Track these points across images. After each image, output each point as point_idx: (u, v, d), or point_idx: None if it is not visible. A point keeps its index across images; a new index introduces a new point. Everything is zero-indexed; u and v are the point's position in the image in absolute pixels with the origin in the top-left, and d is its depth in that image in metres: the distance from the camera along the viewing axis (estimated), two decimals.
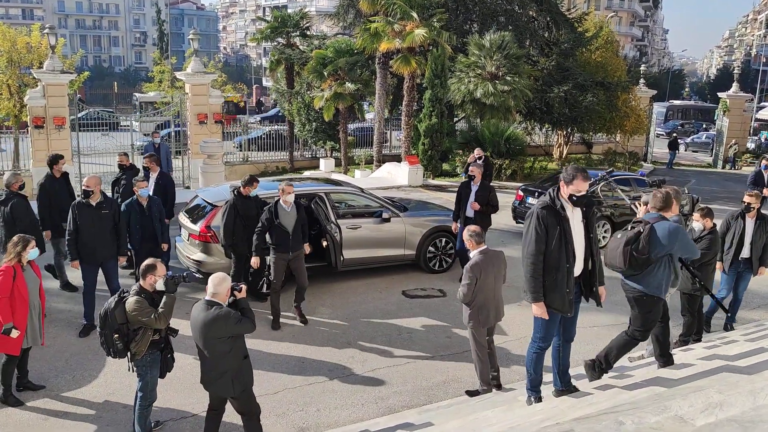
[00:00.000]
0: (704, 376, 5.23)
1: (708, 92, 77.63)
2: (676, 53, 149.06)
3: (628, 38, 77.78)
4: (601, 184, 12.77)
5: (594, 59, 26.60)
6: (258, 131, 27.30)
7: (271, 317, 8.48)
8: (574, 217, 5.24)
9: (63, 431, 6.12)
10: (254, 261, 8.45)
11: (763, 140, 35.87)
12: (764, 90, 59.38)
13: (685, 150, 36.94)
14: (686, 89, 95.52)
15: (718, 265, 8.17)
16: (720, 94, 31.05)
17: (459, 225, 10.12)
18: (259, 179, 9.42)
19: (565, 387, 5.57)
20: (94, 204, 8.02)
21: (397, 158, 22.29)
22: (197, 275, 9.16)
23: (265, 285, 9.20)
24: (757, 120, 41.15)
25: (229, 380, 5.17)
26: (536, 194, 13.19)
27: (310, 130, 24.63)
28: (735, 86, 30.05)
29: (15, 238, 6.38)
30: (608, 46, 28.58)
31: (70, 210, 8.06)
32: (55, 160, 9.48)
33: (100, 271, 8.24)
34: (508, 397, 6.30)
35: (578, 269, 5.33)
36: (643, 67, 31.67)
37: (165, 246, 8.93)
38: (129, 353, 5.47)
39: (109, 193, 9.72)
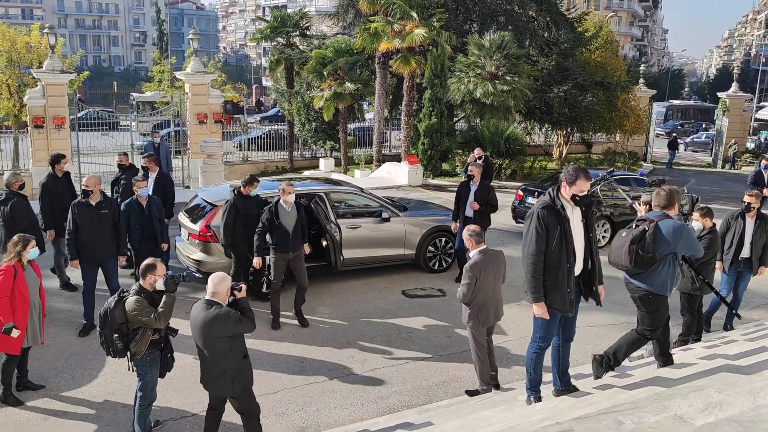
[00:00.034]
0: (704, 376, 5.23)
1: (707, 92, 77.64)
2: (676, 53, 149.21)
3: (627, 38, 77.81)
4: (602, 183, 12.77)
5: (594, 59, 26.62)
6: (258, 131, 27.32)
7: (271, 317, 8.48)
8: (574, 216, 5.24)
9: (63, 431, 6.12)
10: (256, 261, 8.44)
11: (762, 140, 35.90)
12: (764, 90, 59.36)
13: (685, 150, 36.95)
14: (686, 89, 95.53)
15: (718, 264, 8.17)
16: (719, 94, 31.07)
17: (458, 225, 10.12)
18: (259, 179, 9.42)
19: (565, 387, 5.57)
20: (93, 204, 8.02)
21: (396, 158, 22.29)
22: (197, 275, 9.18)
23: (265, 285, 9.20)
24: (756, 120, 41.19)
25: (229, 380, 5.17)
26: (536, 194, 13.19)
27: (310, 130, 24.64)
28: (734, 86, 30.06)
29: (15, 238, 6.39)
30: (608, 46, 28.59)
31: (70, 209, 8.06)
32: (56, 159, 9.48)
33: (100, 270, 8.24)
34: (507, 396, 6.30)
35: (578, 269, 5.33)
36: (642, 67, 31.69)
37: (165, 246, 8.93)
38: (129, 353, 5.46)
39: (108, 193, 9.72)
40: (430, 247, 10.74)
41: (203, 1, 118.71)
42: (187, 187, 18.92)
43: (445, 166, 22.31)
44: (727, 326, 8.58)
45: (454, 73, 20.82)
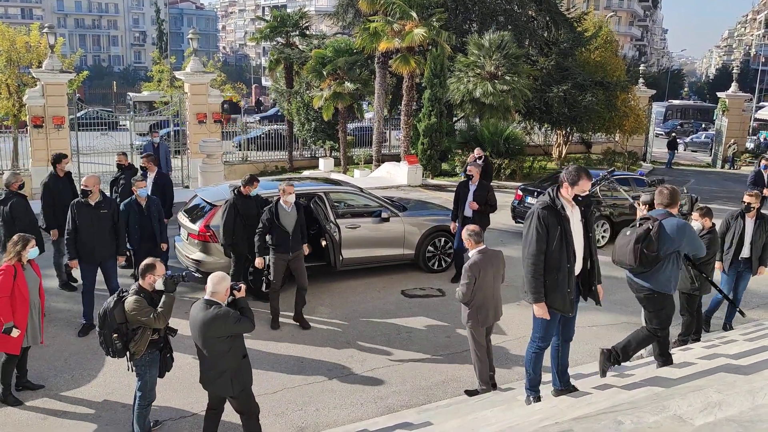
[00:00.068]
0: (703, 376, 5.23)
1: (707, 92, 77.67)
2: (675, 53, 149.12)
3: (627, 38, 77.85)
4: (602, 183, 12.77)
5: (593, 59, 26.61)
6: (257, 131, 27.30)
7: (271, 317, 8.48)
8: (574, 216, 5.24)
9: (62, 431, 6.12)
10: (258, 262, 8.43)
11: (761, 140, 35.91)
12: (763, 90, 59.38)
13: (684, 150, 36.96)
14: (685, 89, 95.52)
15: (718, 264, 8.18)
16: (719, 94, 31.08)
17: (457, 225, 10.12)
18: (259, 179, 9.41)
19: (564, 386, 5.57)
20: (92, 203, 8.01)
21: (396, 158, 22.29)
22: (196, 275, 9.18)
23: (264, 284, 9.20)
24: (756, 120, 41.19)
25: (228, 380, 5.17)
26: (535, 194, 13.18)
27: (309, 130, 24.64)
28: (734, 86, 30.07)
29: (15, 237, 6.39)
30: (607, 45, 28.58)
31: (69, 209, 8.06)
32: (58, 159, 9.49)
33: (100, 270, 8.24)
34: (507, 396, 6.30)
35: (577, 269, 5.33)
36: (642, 67, 31.68)
37: (164, 246, 8.92)
38: (128, 353, 5.46)
39: (107, 193, 9.72)
40: (429, 247, 10.74)
41: (203, 0, 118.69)
42: (187, 186, 18.92)
43: (444, 166, 22.30)
44: (727, 326, 8.58)
45: (453, 73, 20.82)
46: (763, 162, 14.24)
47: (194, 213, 9.80)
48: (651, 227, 5.44)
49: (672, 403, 4.13)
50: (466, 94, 20.31)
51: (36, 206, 9.12)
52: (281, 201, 8.31)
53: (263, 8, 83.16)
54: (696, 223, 7.62)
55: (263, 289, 9.16)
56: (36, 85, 18.28)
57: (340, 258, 9.61)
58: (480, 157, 14.27)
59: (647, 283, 5.58)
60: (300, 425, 6.28)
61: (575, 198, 5.19)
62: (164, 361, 5.69)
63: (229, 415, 5.63)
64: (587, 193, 5.22)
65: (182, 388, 6.73)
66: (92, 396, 6.68)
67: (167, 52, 50.23)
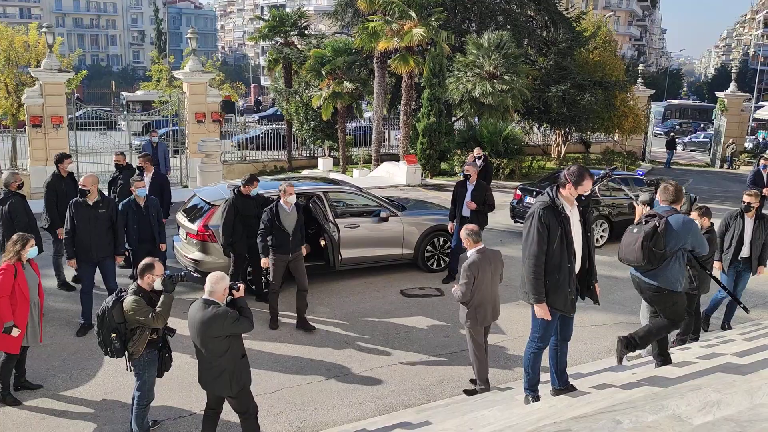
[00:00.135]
0: (702, 375, 5.23)
1: (706, 92, 77.73)
2: (674, 53, 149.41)
3: (626, 38, 77.92)
4: (605, 180, 12.75)
5: (592, 59, 26.62)
6: (256, 130, 27.31)
7: (269, 316, 8.48)
8: (573, 216, 5.24)
9: (60, 430, 6.11)
10: (264, 262, 8.41)
11: (760, 139, 35.96)
12: (762, 89, 59.49)
13: (683, 149, 37.00)
14: (684, 89, 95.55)
15: (717, 264, 8.19)
16: (718, 94, 31.09)
17: (455, 225, 10.12)
18: (259, 178, 9.40)
19: (563, 386, 5.57)
20: (91, 203, 8.00)
21: (395, 157, 22.29)
22: (195, 274, 9.17)
23: (264, 284, 9.19)
24: (754, 119, 41.29)
25: (227, 379, 5.17)
26: (534, 193, 13.17)
27: (309, 129, 24.63)
28: (733, 86, 30.09)
29: (14, 237, 6.39)
30: (606, 45, 28.59)
31: (68, 209, 8.05)
32: (61, 159, 9.50)
33: (98, 270, 8.23)
34: (505, 396, 6.30)
35: (576, 268, 5.33)
36: (641, 67, 31.69)
37: (162, 246, 8.91)
38: (126, 352, 5.46)
39: (106, 193, 9.71)
40: (428, 247, 10.74)
41: (201, 0, 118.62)
42: (185, 186, 18.90)
43: (443, 165, 22.30)
44: (725, 325, 8.59)
45: (452, 73, 20.82)
46: (762, 161, 14.26)
47: (193, 212, 9.79)
48: (658, 224, 5.43)
49: (670, 403, 4.13)
50: (465, 94, 20.31)
51: (34, 206, 9.11)
52: (281, 201, 8.30)
53: (262, 8, 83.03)
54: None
55: (263, 288, 9.17)
56: (34, 84, 18.27)
57: (339, 258, 9.61)
58: (479, 157, 14.27)
59: (655, 281, 5.56)
60: (299, 425, 6.28)
61: (577, 198, 5.20)
62: (163, 360, 5.69)
63: (228, 414, 5.63)
64: (588, 192, 5.22)
65: (181, 387, 6.73)
66: (91, 396, 6.68)
67: (166, 51, 50.19)
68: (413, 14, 19.91)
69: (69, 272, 9.39)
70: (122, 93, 46.67)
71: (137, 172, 10.41)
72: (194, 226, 9.36)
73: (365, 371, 7.38)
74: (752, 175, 14.23)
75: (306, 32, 26.78)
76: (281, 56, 25.23)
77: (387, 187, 18.64)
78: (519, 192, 14.05)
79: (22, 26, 25.33)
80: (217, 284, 5.14)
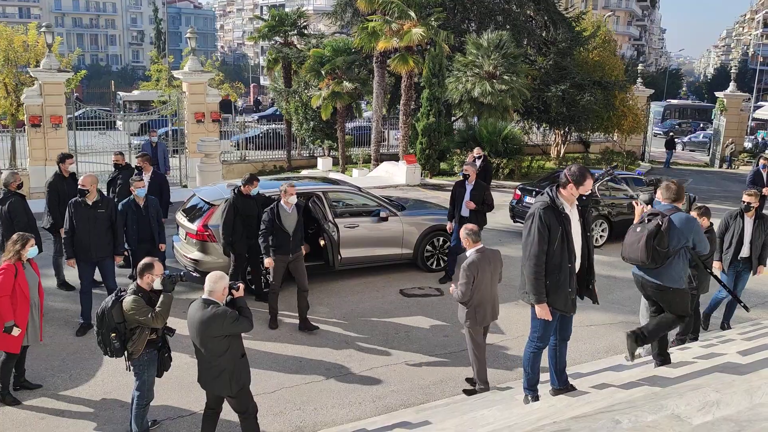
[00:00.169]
0: (701, 375, 5.23)
1: (705, 92, 77.77)
2: (674, 53, 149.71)
3: (625, 37, 77.94)
4: (606, 179, 12.75)
5: (591, 58, 26.63)
6: (255, 130, 27.30)
7: (269, 316, 8.47)
8: (573, 216, 5.25)
9: (60, 430, 6.11)
10: (268, 262, 8.40)
11: (759, 139, 35.97)
12: (761, 89, 59.53)
13: (683, 149, 37.01)
14: (683, 89, 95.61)
15: (717, 264, 8.19)
16: (717, 94, 31.11)
17: (454, 225, 10.12)
18: (259, 178, 9.40)
19: (562, 386, 5.57)
20: (90, 203, 8.00)
21: (394, 157, 22.29)
22: (194, 274, 9.17)
23: (264, 284, 9.19)
24: (754, 119, 41.29)
25: (227, 379, 5.17)
26: (534, 193, 13.17)
27: (308, 129, 24.63)
28: (732, 86, 30.10)
29: (14, 237, 6.39)
30: (606, 45, 28.60)
31: (67, 209, 8.05)
32: (63, 159, 9.51)
33: (98, 270, 8.22)
34: (505, 395, 6.31)
35: (576, 268, 5.33)
36: (640, 67, 31.71)
37: (162, 246, 8.90)
38: (126, 352, 5.46)
39: (105, 193, 9.71)
40: (427, 247, 10.74)
41: (201, 0, 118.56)
42: (185, 186, 18.89)
43: (443, 165, 22.31)
44: (725, 325, 8.60)
45: (452, 73, 20.83)
46: (761, 161, 14.28)
47: (192, 212, 9.79)
48: (661, 223, 5.43)
49: (670, 402, 4.13)
50: (464, 94, 20.31)
51: (34, 206, 9.10)
52: (282, 202, 8.29)
53: (261, 7, 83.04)
54: None
55: (263, 288, 9.17)
56: (34, 84, 18.26)
57: (339, 257, 9.61)
58: (479, 157, 14.26)
59: (658, 279, 5.57)
60: (298, 424, 6.28)
61: (580, 198, 5.20)
62: (162, 360, 5.69)
63: (228, 414, 5.63)
64: (588, 192, 5.23)
65: (180, 387, 6.72)
66: (90, 395, 6.68)
67: (165, 51, 50.21)
68: (413, 14, 19.91)
69: (69, 272, 9.38)
70: (119, 93, 46.61)
71: (136, 171, 10.41)
72: (194, 226, 9.36)
73: (365, 371, 7.37)
74: (752, 174, 14.25)
75: (305, 32, 26.79)
76: (281, 56, 25.23)
77: (386, 187, 18.64)
78: (518, 192, 14.05)
79: (22, 26, 25.33)
80: (217, 284, 5.14)
